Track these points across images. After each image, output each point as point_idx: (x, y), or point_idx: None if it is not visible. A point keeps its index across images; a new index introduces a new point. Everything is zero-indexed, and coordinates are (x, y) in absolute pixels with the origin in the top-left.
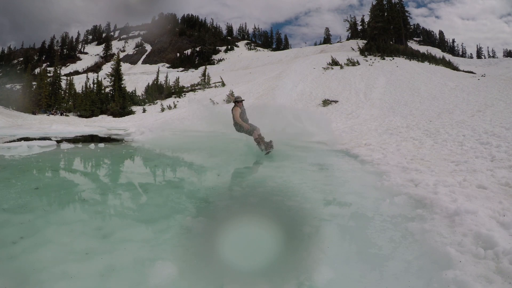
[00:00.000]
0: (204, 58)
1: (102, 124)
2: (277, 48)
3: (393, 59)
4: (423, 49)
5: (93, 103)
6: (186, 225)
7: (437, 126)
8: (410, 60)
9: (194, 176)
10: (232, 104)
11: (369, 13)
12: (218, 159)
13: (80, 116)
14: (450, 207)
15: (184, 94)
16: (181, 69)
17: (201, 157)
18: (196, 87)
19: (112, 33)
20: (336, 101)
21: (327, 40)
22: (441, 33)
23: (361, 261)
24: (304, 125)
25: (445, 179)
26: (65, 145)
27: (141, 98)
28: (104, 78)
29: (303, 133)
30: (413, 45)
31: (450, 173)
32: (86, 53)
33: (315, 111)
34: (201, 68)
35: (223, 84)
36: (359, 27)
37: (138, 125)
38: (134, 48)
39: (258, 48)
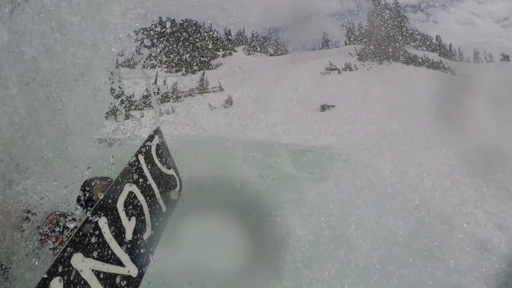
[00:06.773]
0: (202, 63)
1: None
2: (275, 53)
3: (390, 63)
4: (420, 53)
5: None
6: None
7: (434, 130)
8: (408, 64)
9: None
10: None
11: (367, 18)
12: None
13: None
14: (447, 210)
15: (182, 99)
16: (179, 73)
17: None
18: (194, 92)
19: None
20: (334, 106)
21: (325, 45)
22: (438, 37)
23: (361, 260)
24: None
25: (442, 182)
26: None
27: (138, 102)
28: None
29: None
30: (410, 49)
31: (448, 176)
32: None
33: None
34: (199, 73)
35: (221, 89)
36: (357, 32)
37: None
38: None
39: (256, 53)
